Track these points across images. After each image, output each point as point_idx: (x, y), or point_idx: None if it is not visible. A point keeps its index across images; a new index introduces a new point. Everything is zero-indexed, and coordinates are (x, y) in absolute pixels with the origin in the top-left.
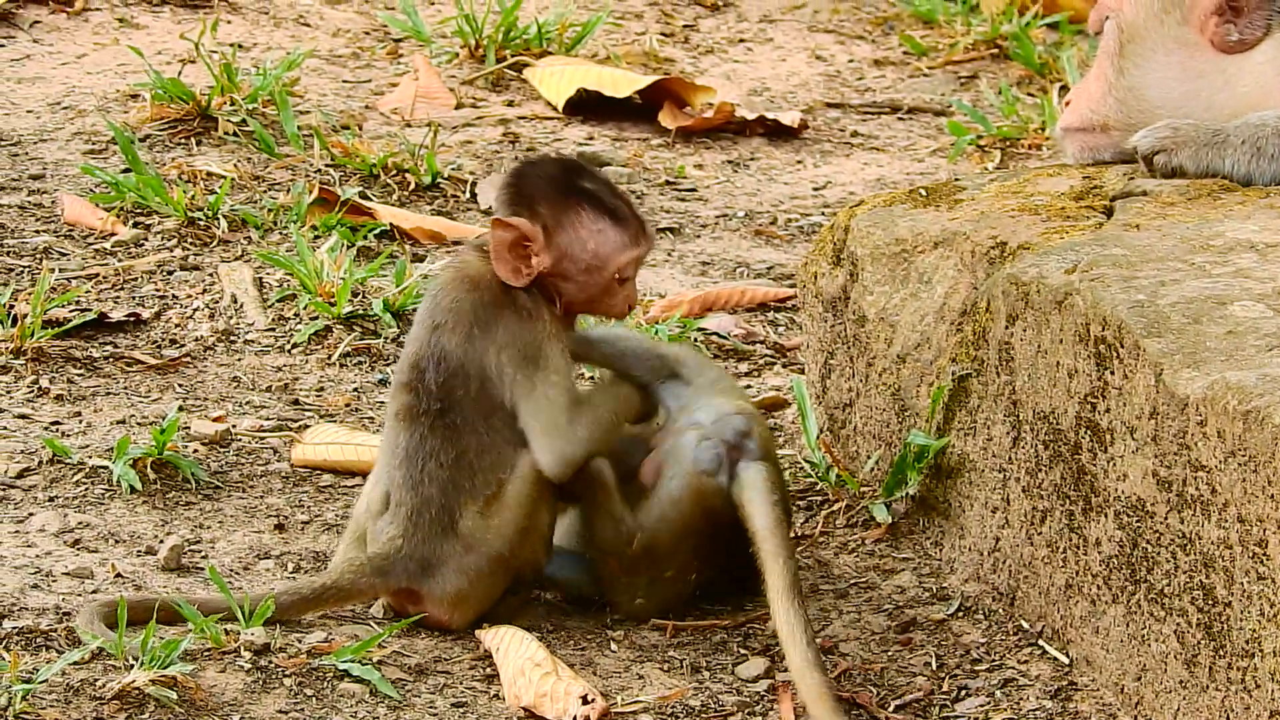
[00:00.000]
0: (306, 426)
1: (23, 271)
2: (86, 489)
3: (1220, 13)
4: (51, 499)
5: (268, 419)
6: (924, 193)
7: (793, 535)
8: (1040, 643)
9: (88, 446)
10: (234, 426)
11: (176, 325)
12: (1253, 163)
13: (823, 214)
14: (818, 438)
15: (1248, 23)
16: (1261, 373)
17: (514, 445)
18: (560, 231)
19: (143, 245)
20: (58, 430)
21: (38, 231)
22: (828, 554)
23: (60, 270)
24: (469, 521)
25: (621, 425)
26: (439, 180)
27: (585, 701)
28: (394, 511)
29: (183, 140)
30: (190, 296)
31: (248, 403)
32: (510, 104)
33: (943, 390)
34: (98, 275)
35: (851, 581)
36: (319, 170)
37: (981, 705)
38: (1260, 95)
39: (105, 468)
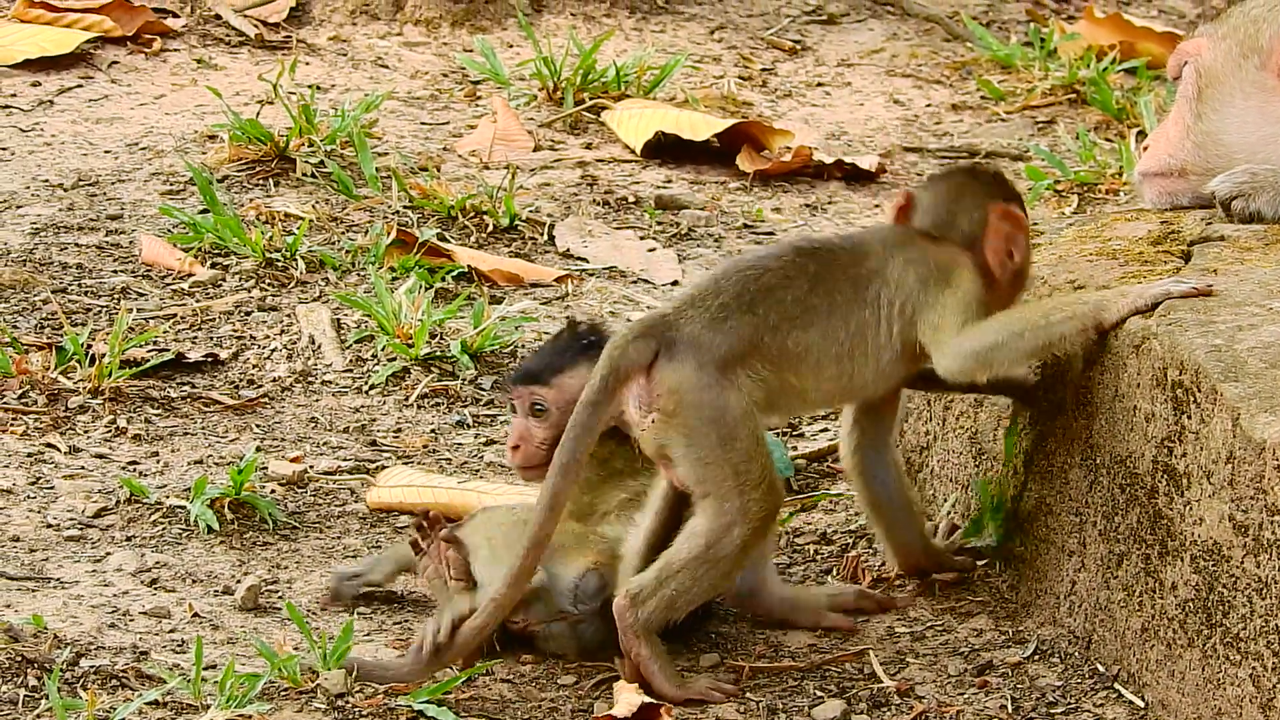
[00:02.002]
0: (384, 468)
1: (101, 311)
2: (164, 529)
3: None
4: (129, 538)
5: (345, 460)
6: None
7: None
8: (1116, 686)
9: (165, 486)
10: (311, 467)
11: (254, 366)
12: None
13: None
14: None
15: None
16: None
17: None
18: None
19: (220, 286)
20: (135, 470)
21: (116, 272)
22: (904, 596)
23: (138, 310)
24: None
25: None
26: (517, 222)
27: None
28: None
29: (261, 181)
30: (268, 337)
31: (325, 444)
32: (588, 146)
33: (1019, 434)
34: (175, 315)
35: (928, 624)
36: (397, 212)
37: None
38: (1255, 140)
39: (182, 507)
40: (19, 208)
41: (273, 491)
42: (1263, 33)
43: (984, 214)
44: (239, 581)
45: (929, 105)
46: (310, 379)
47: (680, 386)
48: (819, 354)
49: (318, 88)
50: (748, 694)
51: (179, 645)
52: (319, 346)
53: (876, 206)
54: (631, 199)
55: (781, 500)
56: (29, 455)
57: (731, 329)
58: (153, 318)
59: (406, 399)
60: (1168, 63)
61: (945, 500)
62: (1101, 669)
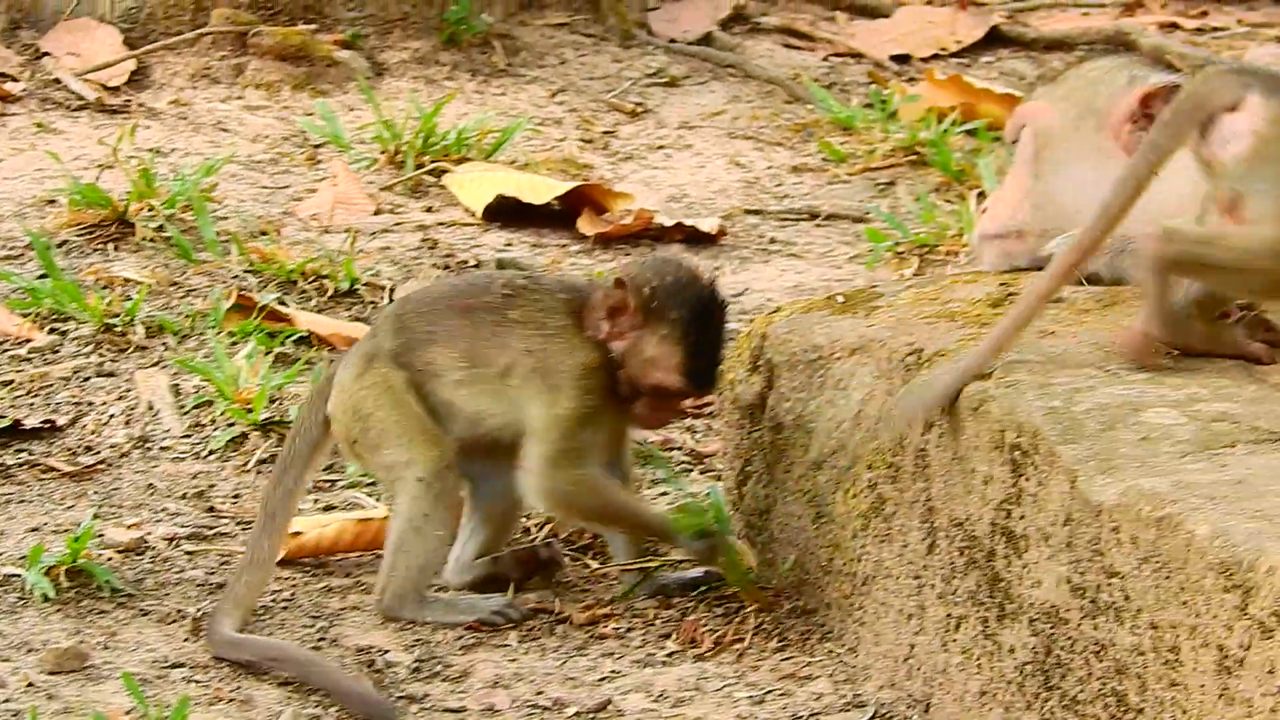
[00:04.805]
0: (222, 534)
1: None
2: None
3: (1134, 120)
4: None
5: (183, 526)
6: (841, 299)
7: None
8: None
9: (1, 554)
10: (149, 534)
11: (92, 432)
12: None
13: (740, 321)
14: (735, 544)
15: None
16: (1175, 479)
17: None
18: None
19: (59, 351)
20: None
21: None
22: (745, 661)
23: None
24: None
25: None
26: (357, 286)
27: None
28: None
29: (100, 246)
30: (106, 403)
31: (163, 510)
32: (429, 210)
33: (859, 497)
34: (12, 382)
35: (767, 689)
36: (237, 276)
37: None
38: (1174, 203)
39: (18, 576)
40: None
41: (110, 559)
42: (1100, 95)
43: None
44: (78, 650)
45: (770, 167)
46: (148, 445)
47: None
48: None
49: (158, 151)
50: None
51: (13, 716)
52: (157, 412)
53: (717, 269)
54: (472, 262)
55: None
56: None
57: None
58: None
59: (245, 464)
60: (1006, 125)
61: (784, 562)
62: None
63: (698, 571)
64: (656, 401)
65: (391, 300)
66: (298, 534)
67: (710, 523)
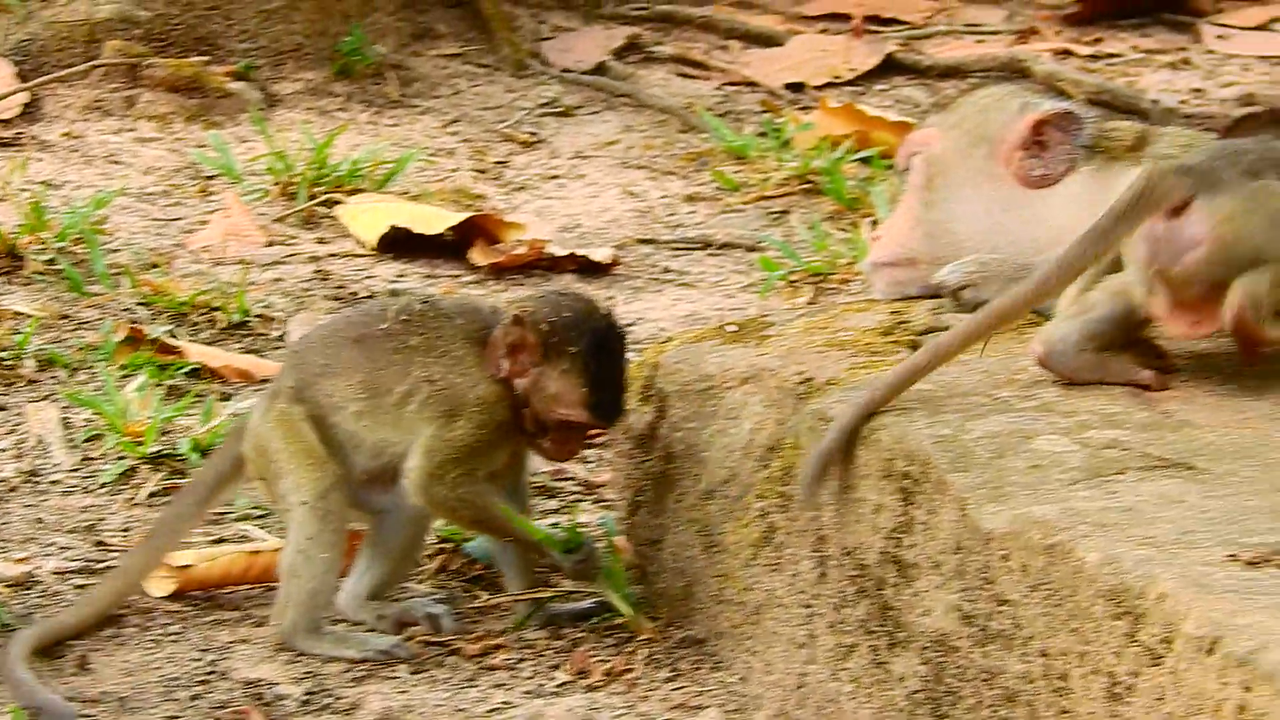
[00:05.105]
0: (113, 568)
1: None
2: None
3: (1026, 148)
4: None
5: (72, 560)
6: (732, 329)
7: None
8: None
9: None
10: (38, 568)
11: None
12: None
13: (633, 351)
14: (626, 573)
15: (1052, 158)
16: (1064, 506)
17: None
18: None
19: None
20: None
21: None
22: (636, 691)
23: None
24: None
25: None
26: (248, 319)
27: None
28: None
29: None
30: None
31: (52, 544)
32: (321, 241)
33: (750, 526)
34: None
35: (658, 719)
36: (128, 309)
37: None
38: (1066, 230)
39: None
40: None
41: None
42: (991, 122)
43: None
44: None
45: (663, 196)
46: (38, 479)
47: None
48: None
49: (50, 184)
50: None
51: None
52: (47, 446)
53: (610, 299)
54: (365, 294)
55: None
56: None
57: None
58: None
59: (135, 498)
60: (898, 154)
61: (676, 593)
62: None
63: (589, 602)
64: (563, 434)
65: (283, 333)
66: (187, 567)
67: (580, 537)
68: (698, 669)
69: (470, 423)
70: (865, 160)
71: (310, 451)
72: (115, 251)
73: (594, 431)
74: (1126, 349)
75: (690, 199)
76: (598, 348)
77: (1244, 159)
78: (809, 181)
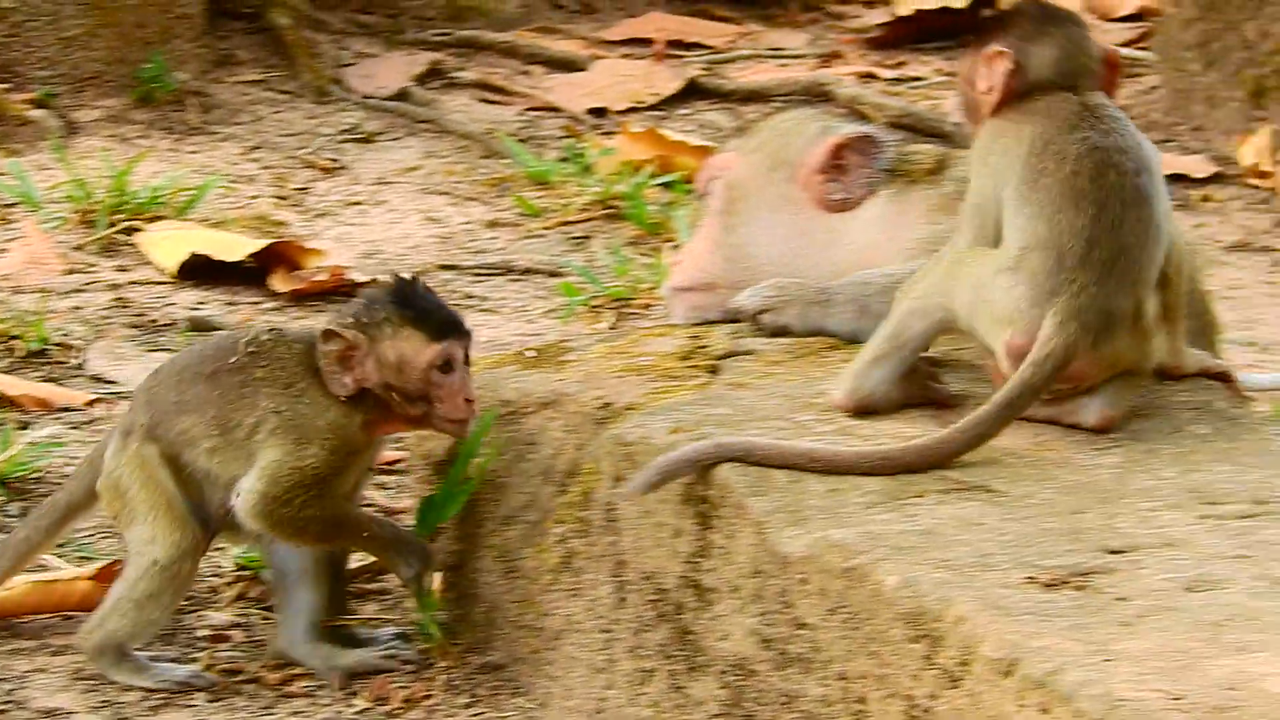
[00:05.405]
0: None
1: None
2: None
3: (825, 171)
4: None
5: None
6: (532, 354)
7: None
8: None
9: None
10: None
11: None
12: (858, 321)
13: None
14: (426, 600)
15: (851, 181)
16: (863, 530)
17: None
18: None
19: None
20: None
21: None
22: (435, 717)
23: None
24: None
25: None
26: (47, 347)
27: None
28: None
29: None
30: None
31: None
32: (121, 269)
33: (548, 552)
34: None
35: None
36: None
37: None
38: (866, 253)
39: None
40: None
41: None
42: (791, 146)
43: None
44: None
45: (465, 222)
46: None
47: None
48: None
49: None
50: None
51: None
52: None
53: None
54: (165, 321)
55: None
56: None
57: None
58: None
59: None
60: (697, 178)
61: (477, 618)
62: None
63: (388, 631)
64: (440, 390)
65: (81, 361)
66: None
67: (419, 535)
68: (497, 694)
69: (324, 449)
70: (667, 185)
71: (171, 505)
72: None
73: (457, 358)
74: (914, 372)
75: (492, 224)
76: (401, 296)
77: None
78: (611, 207)
